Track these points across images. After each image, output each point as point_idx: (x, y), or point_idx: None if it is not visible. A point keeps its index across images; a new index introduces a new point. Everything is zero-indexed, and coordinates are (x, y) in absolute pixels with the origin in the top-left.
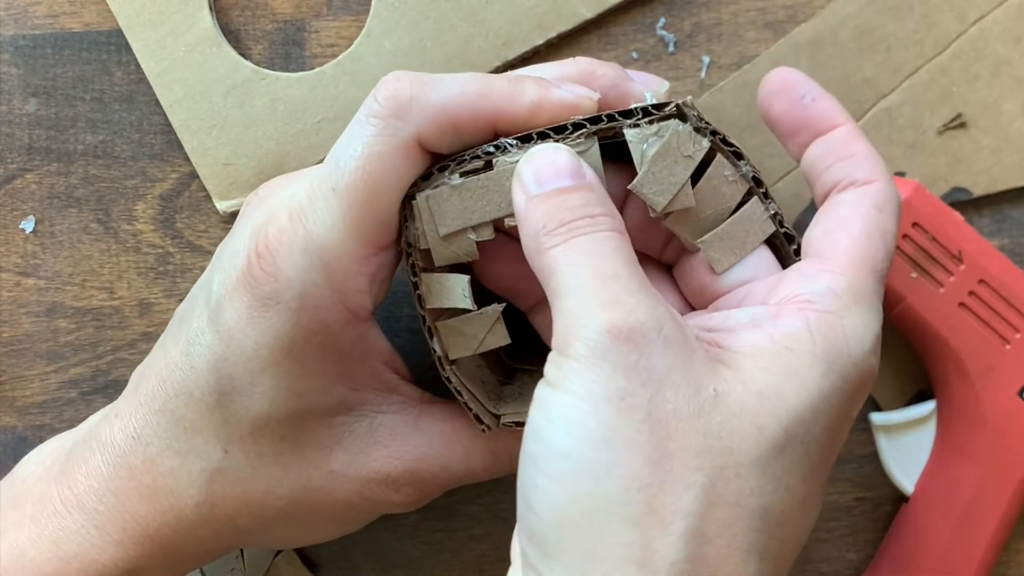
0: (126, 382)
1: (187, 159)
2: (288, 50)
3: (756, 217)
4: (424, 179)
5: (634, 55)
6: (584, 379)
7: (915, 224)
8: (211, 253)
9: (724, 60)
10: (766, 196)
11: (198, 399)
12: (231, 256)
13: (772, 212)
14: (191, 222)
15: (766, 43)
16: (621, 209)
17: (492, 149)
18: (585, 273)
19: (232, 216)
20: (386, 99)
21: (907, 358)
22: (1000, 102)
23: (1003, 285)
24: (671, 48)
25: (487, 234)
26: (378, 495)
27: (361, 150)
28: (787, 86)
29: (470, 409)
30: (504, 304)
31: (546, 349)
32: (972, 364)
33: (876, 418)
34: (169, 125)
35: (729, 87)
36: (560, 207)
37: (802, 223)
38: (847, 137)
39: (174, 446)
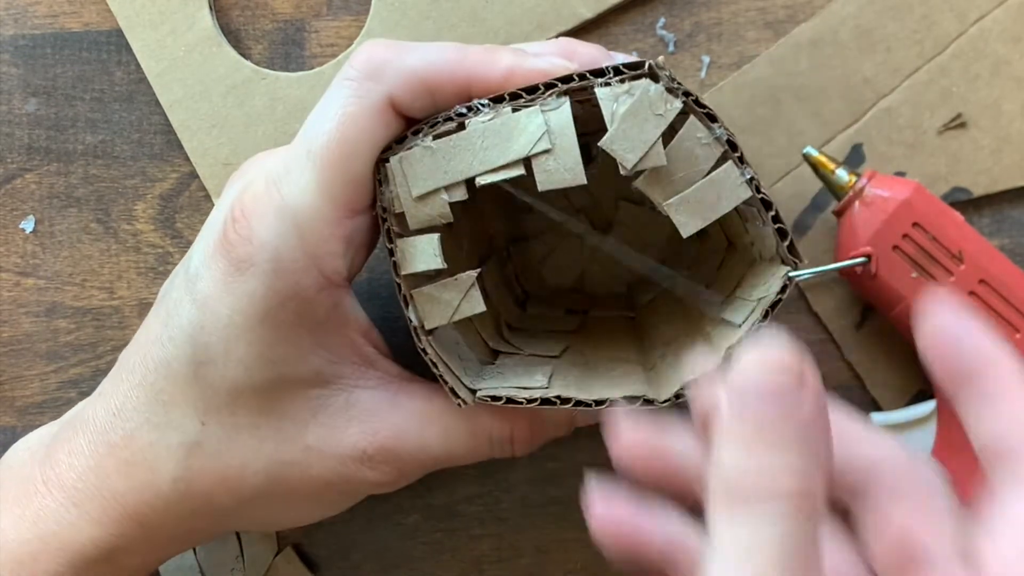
0: None
1: (187, 159)
2: (288, 50)
3: (730, 181)
4: (398, 143)
5: (634, 55)
6: None
7: (915, 224)
8: None
9: (724, 60)
10: (741, 160)
11: (176, 370)
12: (209, 228)
13: (748, 176)
14: (191, 222)
15: (766, 43)
16: None
17: (464, 111)
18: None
19: None
20: (361, 62)
21: (907, 358)
22: (1000, 102)
23: (1003, 285)
24: (671, 48)
25: (460, 194)
26: (354, 473)
27: (335, 113)
28: (947, 339)
29: (445, 382)
30: (479, 270)
31: (537, 337)
32: None
33: (876, 418)
34: (169, 125)
35: (729, 87)
36: (751, 469)
37: (802, 223)
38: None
39: (152, 420)
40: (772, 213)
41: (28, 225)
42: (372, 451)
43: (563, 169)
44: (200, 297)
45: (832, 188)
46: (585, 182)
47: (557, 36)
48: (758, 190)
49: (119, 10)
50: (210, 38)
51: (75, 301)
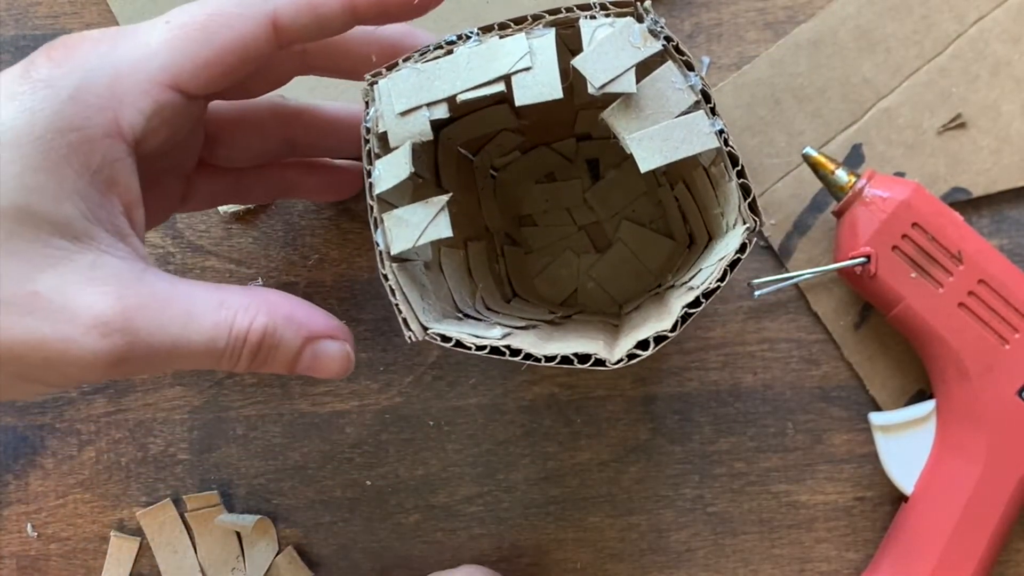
0: (126, 381)
1: None
2: None
3: (698, 128)
4: (389, 69)
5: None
6: None
7: (915, 224)
8: (212, 253)
9: (724, 60)
10: (713, 112)
11: None
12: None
13: (718, 128)
14: (192, 222)
15: (766, 43)
16: None
17: (454, 38)
18: None
19: (232, 216)
20: None
21: (907, 358)
22: (999, 102)
23: (1002, 285)
24: None
25: (441, 112)
26: (77, 337)
27: (215, 4)
28: None
29: (399, 311)
30: (451, 195)
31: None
32: (972, 364)
33: (875, 418)
34: None
35: (729, 87)
36: None
37: (802, 223)
38: None
39: None
40: (738, 168)
41: None
42: (110, 315)
43: (540, 84)
44: None
45: (832, 188)
46: (560, 95)
47: None
48: (726, 143)
49: (120, 11)
50: None
51: None
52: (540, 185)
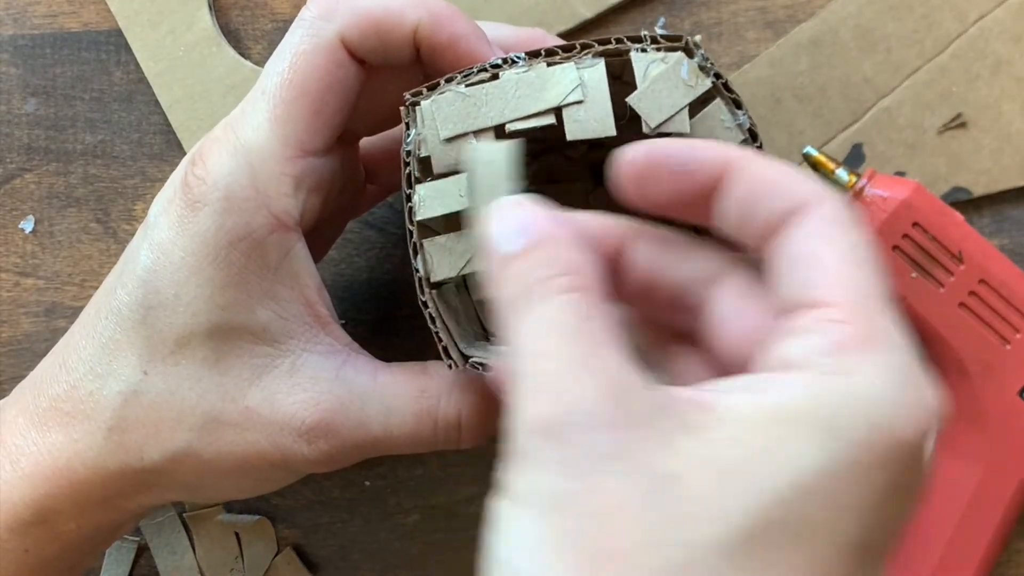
0: None
1: None
2: None
3: None
4: (431, 89)
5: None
6: (516, 481)
7: (915, 224)
8: None
9: (724, 60)
10: (760, 150)
11: (125, 316)
12: (171, 178)
13: None
14: None
15: (766, 43)
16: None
17: (500, 62)
18: (523, 355)
19: None
20: (316, 2)
21: None
22: (1000, 102)
23: (1003, 285)
24: None
25: (488, 141)
26: (289, 445)
27: (288, 53)
28: (649, 167)
29: (440, 339)
30: None
31: None
32: (972, 364)
33: None
34: (168, 125)
35: None
36: (511, 279)
37: None
38: (758, 167)
39: (96, 369)
40: None
41: (27, 225)
42: (311, 422)
43: (593, 120)
44: (155, 242)
45: (832, 188)
46: (614, 133)
47: (557, 35)
48: None
49: (118, 10)
50: (209, 38)
51: (74, 301)
52: (543, 186)
